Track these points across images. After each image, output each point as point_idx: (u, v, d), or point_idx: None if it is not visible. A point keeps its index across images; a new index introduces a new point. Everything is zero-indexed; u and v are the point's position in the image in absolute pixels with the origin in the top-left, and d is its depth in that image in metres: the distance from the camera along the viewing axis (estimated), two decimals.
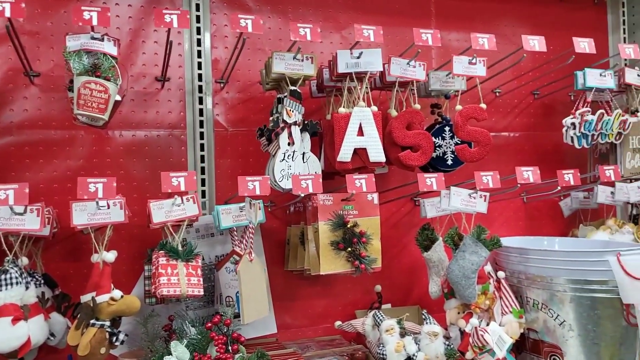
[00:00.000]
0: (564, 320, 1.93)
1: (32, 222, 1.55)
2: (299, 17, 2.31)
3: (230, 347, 1.63)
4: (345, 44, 2.36)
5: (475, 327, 1.88)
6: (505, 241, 2.12)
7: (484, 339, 1.84)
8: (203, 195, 2.12)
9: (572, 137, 2.29)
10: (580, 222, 2.61)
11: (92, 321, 1.57)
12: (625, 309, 1.85)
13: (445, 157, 2.16)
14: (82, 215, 1.57)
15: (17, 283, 1.55)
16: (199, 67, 2.14)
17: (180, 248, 1.72)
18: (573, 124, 2.28)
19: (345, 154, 1.86)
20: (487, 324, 1.93)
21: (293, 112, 1.86)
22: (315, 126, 1.94)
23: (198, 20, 2.15)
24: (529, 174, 2.02)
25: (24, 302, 1.58)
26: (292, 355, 1.91)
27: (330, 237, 1.87)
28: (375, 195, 1.93)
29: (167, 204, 1.69)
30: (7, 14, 1.46)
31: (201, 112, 2.14)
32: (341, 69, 1.88)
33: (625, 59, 2.69)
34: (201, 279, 1.70)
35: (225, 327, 1.66)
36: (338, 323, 2.11)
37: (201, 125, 2.13)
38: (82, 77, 1.57)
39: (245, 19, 1.70)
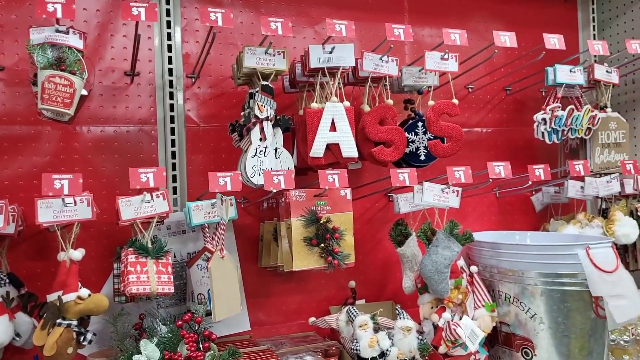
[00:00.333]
0: (535, 314, 1.95)
1: None
2: (271, 12, 2.29)
3: (201, 345, 1.61)
4: (318, 39, 2.34)
5: (448, 322, 1.89)
6: (478, 236, 2.14)
7: (457, 333, 1.86)
8: (174, 192, 2.09)
9: (542, 133, 2.32)
10: (551, 216, 2.64)
11: (58, 321, 1.54)
12: (594, 302, 1.88)
13: (419, 152, 2.17)
14: (47, 213, 1.53)
15: None
16: (170, 62, 2.11)
17: (150, 245, 1.69)
18: (544, 119, 2.30)
19: (317, 150, 1.85)
20: (460, 318, 1.94)
21: (265, 108, 1.84)
22: (287, 122, 1.92)
23: (168, 14, 2.11)
24: (500, 169, 2.04)
25: None
26: (265, 352, 1.89)
27: (303, 233, 1.86)
28: (348, 191, 1.93)
29: (136, 200, 1.66)
30: None
31: (172, 107, 2.10)
32: (313, 63, 1.87)
33: (595, 56, 2.73)
34: (172, 277, 1.68)
35: (196, 325, 1.64)
36: (312, 319, 2.10)
37: (172, 121, 2.10)
38: (46, 70, 1.53)
39: (215, 12, 1.68)
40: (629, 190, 2.45)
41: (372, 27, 2.45)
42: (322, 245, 1.85)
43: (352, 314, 1.97)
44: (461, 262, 2.05)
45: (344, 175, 1.81)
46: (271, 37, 1.76)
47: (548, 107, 2.30)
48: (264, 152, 1.85)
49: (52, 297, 1.57)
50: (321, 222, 1.87)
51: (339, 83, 1.91)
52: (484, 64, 2.40)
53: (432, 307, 2.00)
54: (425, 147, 2.15)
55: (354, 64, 1.93)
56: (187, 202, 1.86)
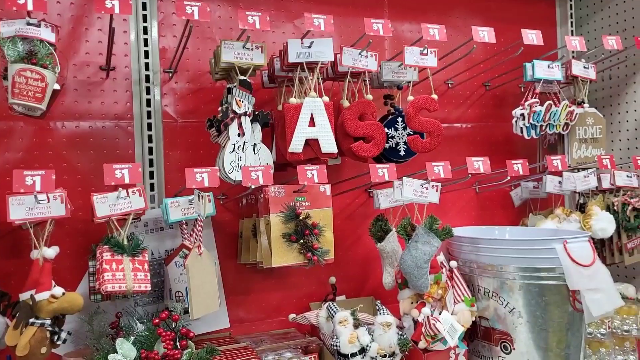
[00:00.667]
0: (514, 308, 1.96)
1: None
2: (249, 6, 2.26)
3: (178, 343, 1.59)
4: (297, 33, 2.33)
5: (428, 317, 1.89)
6: (458, 231, 2.15)
7: (436, 328, 1.86)
8: (152, 188, 2.06)
9: (521, 128, 2.33)
10: (530, 211, 2.67)
11: (31, 320, 1.50)
12: (572, 295, 1.90)
13: (398, 148, 2.16)
14: (19, 210, 1.49)
15: None
16: (146, 56, 2.07)
17: (126, 243, 1.66)
18: (522, 114, 2.31)
19: (296, 145, 1.84)
20: (440, 313, 1.94)
21: (243, 103, 1.82)
22: (266, 117, 1.91)
23: (144, 7, 2.07)
24: (479, 164, 2.05)
25: None
26: (245, 349, 1.88)
27: (282, 229, 1.84)
28: (328, 187, 1.92)
29: (111, 197, 1.63)
30: None
31: (149, 102, 2.07)
32: (292, 58, 1.85)
33: (572, 52, 2.75)
34: (148, 274, 1.65)
35: (173, 323, 1.62)
36: (292, 316, 2.09)
37: (149, 116, 2.07)
38: (17, 64, 1.49)
39: (191, 5, 1.65)
40: (605, 184, 2.48)
41: (351, 22, 2.44)
42: (302, 241, 1.84)
43: (332, 310, 1.97)
44: (441, 257, 2.05)
45: (323, 171, 1.80)
46: (249, 32, 1.73)
47: (526, 103, 2.31)
48: (243, 148, 1.83)
49: (24, 296, 1.54)
50: (300, 218, 1.85)
51: (318, 78, 1.90)
52: (464, 60, 2.40)
53: (412, 303, 2.00)
54: (405, 143, 2.15)
55: (333, 59, 1.92)
56: (165, 198, 1.84)
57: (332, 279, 2.22)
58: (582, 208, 2.52)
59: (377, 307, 1.99)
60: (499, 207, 2.74)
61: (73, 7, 2.00)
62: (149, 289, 1.64)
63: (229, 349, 1.87)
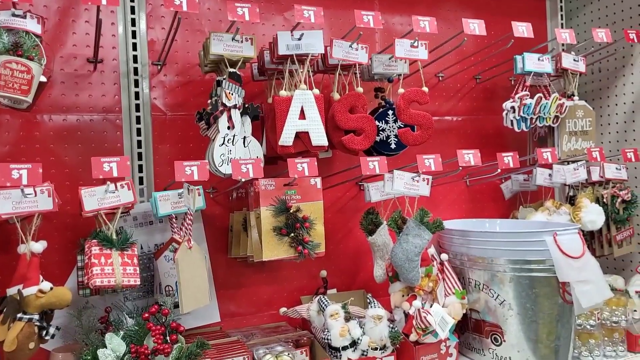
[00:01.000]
0: (504, 300, 1.97)
1: None
2: None
3: (168, 338, 1.58)
4: (287, 26, 2.31)
5: (419, 309, 1.90)
6: (448, 224, 2.15)
7: (427, 321, 1.86)
8: (141, 182, 2.04)
9: (511, 121, 2.33)
10: (520, 204, 2.67)
11: (19, 315, 1.49)
12: (561, 287, 1.91)
13: (389, 140, 2.16)
14: (6, 204, 1.47)
15: None
16: (134, 49, 2.05)
17: (115, 237, 1.65)
18: (513, 107, 2.32)
19: (287, 138, 1.82)
20: (431, 306, 1.95)
21: (232, 95, 1.81)
22: (256, 109, 1.89)
23: None
24: (470, 157, 2.04)
25: None
26: (235, 343, 1.87)
27: (273, 223, 1.84)
28: (318, 180, 1.91)
29: (99, 191, 1.62)
30: None
31: (137, 95, 2.05)
32: (282, 50, 1.84)
33: (562, 44, 2.76)
34: (137, 269, 1.64)
35: (163, 317, 1.61)
36: (283, 309, 2.08)
37: (137, 109, 2.04)
38: (2, 56, 1.46)
39: None
40: (595, 177, 2.49)
41: (341, 14, 2.43)
42: (292, 234, 1.83)
43: (323, 303, 1.96)
44: (432, 250, 2.06)
45: (313, 164, 1.79)
46: (239, 24, 1.72)
47: (517, 96, 2.31)
48: (232, 141, 1.82)
49: (12, 291, 1.53)
50: (291, 211, 1.85)
51: (308, 70, 1.89)
52: (454, 53, 2.40)
53: (403, 296, 2.01)
54: (396, 136, 2.15)
55: (323, 51, 1.91)
56: (154, 192, 1.83)
57: (323, 273, 2.22)
58: (571, 200, 2.53)
59: (368, 300, 1.99)
60: (490, 200, 2.74)
61: None
62: (139, 283, 1.63)
63: (220, 343, 1.86)
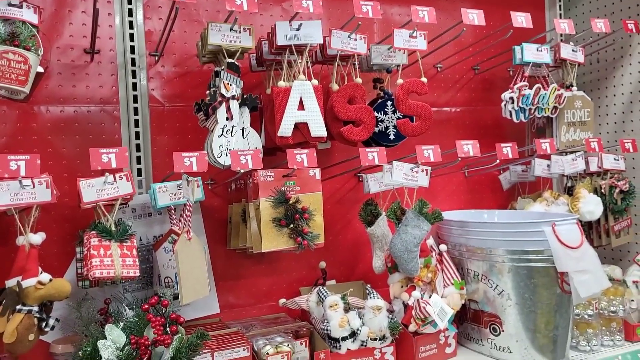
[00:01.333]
0: (503, 290, 1.97)
1: None
2: None
3: (168, 329, 1.58)
4: (286, 16, 2.30)
5: (418, 300, 1.90)
6: (447, 215, 2.15)
7: (426, 311, 1.87)
8: (139, 174, 2.04)
9: (510, 112, 2.33)
10: (518, 195, 2.68)
11: (18, 307, 1.49)
12: (560, 277, 1.91)
13: (388, 131, 2.15)
14: (4, 196, 1.47)
15: None
16: (132, 39, 2.04)
17: (113, 228, 1.64)
18: (511, 98, 2.31)
19: (285, 129, 1.82)
20: (430, 297, 1.95)
21: (231, 86, 1.80)
22: (254, 100, 1.88)
23: None
24: (469, 148, 2.04)
25: None
26: (235, 334, 1.88)
27: (272, 214, 1.83)
28: (317, 171, 1.90)
29: (98, 182, 1.61)
30: None
31: (135, 86, 2.04)
32: (280, 41, 1.83)
33: (561, 35, 2.75)
34: (137, 260, 1.64)
35: (163, 308, 1.61)
36: (282, 301, 2.09)
37: (135, 100, 2.03)
38: None
39: None
40: (593, 168, 2.49)
41: (340, 4, 2.41)
42: (292, 225, 1.83)
43: (323, 294, 1.97)
44: (430, 241, 2.06)
45: (312, 155, 1.79)
46: (237, 14, 1.71)
47: (515, 86, 2.31)
48: (231, 132, 1.81)
49: (10, 283, 1.52)
50: (290, 202, 1.84)
51: (306, 61, 1.88)
52: (453, 43, 2.39)
53: (402, 286, 2.01)
54: (395, 126, 2.14)
55: (321, 41, 1.90)
56: (152, 183, 1.82)
57: (322, 264, 2.22)
58: (570, 191, 2.54)
59: (367, 291, 2.00)
60: (488, 191, 2.74)
61: None
62: (138, 274, 1.63)
63: (220, 334, 1.86)
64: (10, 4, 1.50)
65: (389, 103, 2.15)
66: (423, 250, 1.97)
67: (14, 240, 1.57)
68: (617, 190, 2.48)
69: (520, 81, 2.32)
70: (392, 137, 2.15)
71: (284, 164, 1.78)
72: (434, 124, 2.03)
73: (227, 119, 1.80)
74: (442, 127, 2.60)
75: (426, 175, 2.01)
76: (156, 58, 2.09)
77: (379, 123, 2.13)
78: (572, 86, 2.49)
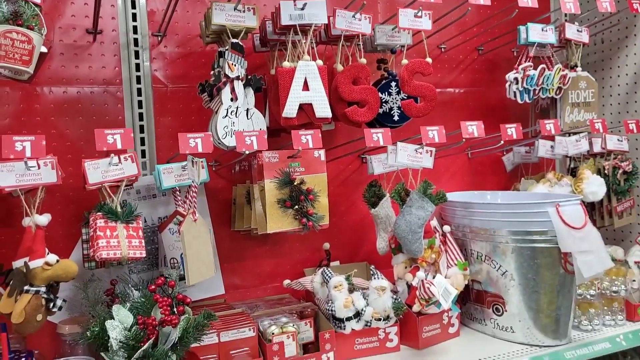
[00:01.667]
0: (506, 271, 1.98)
1: None
2: None
3: (175, 309, 1.59)
4: None
5: (422, 280, 1.91)
6: (451, 196, 2.15)
7: (430, 291, 1.88)
8: (143, 155, 2.03)
9: (514, 92, 2.32)
10: (522, 176, 2.68)
11: (26, 287, 1.49)
12: (563, 258, 1.92)
13: (392, 112, 2.15)
14: (9, 177, 1.46)
15: None
16: (134, 19, 2.01)
17: (119, 209, 1.64)
18: (516, 78, 2.30)
19: (290, 110, 1.81)
20: (434, 277, 1.96)
21: (235, 66, 1.79)
22: (259, 81, 1.87)
23: None
24: (473, 129, 2.04)
25: None
26: (240, 315, 1.89)
27: (277, 195, 1.83)
28: (322, 152, 1.90)
29: (103, 163, 1.61)
30: None
31: (138, 67, 2.02)
32: (284, 20, 1.81)
33: (565, 15, 2.73)
34: (143, 241, 1.64)
35: (169, 289, 1.61)
36: (287, 281, 2.10)
37: (138, 82, 2.02)
38: (2, 25, 1.43)
39: None
40: (597, 149, 2.49)
41: None
42: (296, 207, 1.83)
43: (327, 275, 1.97)
44: (434, 222, 2.06)
45: (317, 136, 1.78)
46: None
47: (520, 67, 2.30)
48: (236, 113, 1.80)
49: (18, 264, 1.52)
50: (295, 183, 1.84)
51: (311, 41, 1.86)
52: (456, 24, 2.37)
53: (405, 267, 2.02)
54: (399, 107, 2.13)
55: (326, 21, 1.87)
56: (157, 165, 1.81)
57: (326, 245, 2.23)
58: (573, 172, 2.54)
59: (371, 272, 2.01)
60: (491, 172, 2.75)
61: None
62: (144, 255, 1.63)
63: (225, 315, 1.88)
64: None
65: (393, 84, 2.14)
66: (427, 232, 1.97)
67: (19, 221, 1.56)
68: (621, 171, 2.48)
69: (525, 62, 2.31)
70: (396, 118, 2.15)
71: (289, 145, 1.77)
72: (437, 105, 2.02)
73: (231, 99, 1.79)
74: (445, 108, 2.59)
75: (430, 156, 2.01)
76: (159, 38, 2.07)
77: (383, 104, 2.12)
78: (577, 67, 2.48)
